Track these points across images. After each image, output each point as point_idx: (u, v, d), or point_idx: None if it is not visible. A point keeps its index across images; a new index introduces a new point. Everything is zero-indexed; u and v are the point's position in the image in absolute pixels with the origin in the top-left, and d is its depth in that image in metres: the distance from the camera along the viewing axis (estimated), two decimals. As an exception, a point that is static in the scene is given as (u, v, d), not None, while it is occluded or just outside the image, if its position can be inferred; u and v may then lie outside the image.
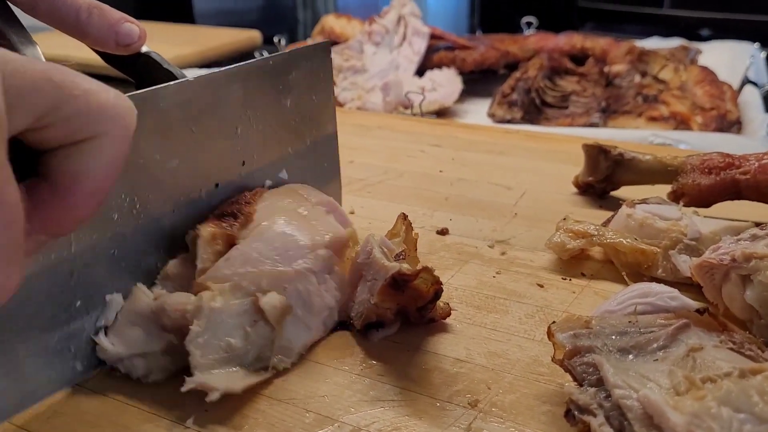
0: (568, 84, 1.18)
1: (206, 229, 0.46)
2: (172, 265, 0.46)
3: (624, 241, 0.54)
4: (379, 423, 0.39)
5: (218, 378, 0.40)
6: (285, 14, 2.50)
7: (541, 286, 0.53)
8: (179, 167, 0.46)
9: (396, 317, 0.47)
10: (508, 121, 1.06)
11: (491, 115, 1.09)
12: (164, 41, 1.47)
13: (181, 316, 0.41)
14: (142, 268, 0.45)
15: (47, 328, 0.41)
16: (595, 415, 0.35)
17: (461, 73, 1.18)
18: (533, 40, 1.31)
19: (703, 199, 0.61)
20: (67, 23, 0.46)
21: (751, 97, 1.07)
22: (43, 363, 0.41)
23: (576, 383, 0.38)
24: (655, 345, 0.39)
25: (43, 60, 0.48)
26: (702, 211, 0.60)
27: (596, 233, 0.56)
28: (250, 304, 0.42)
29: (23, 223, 0.25)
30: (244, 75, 0.49)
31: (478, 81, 1.23)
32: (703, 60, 1.25)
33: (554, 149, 0.84)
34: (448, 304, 0.49)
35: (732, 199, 0.60)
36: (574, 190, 0.71)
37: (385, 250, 0.47)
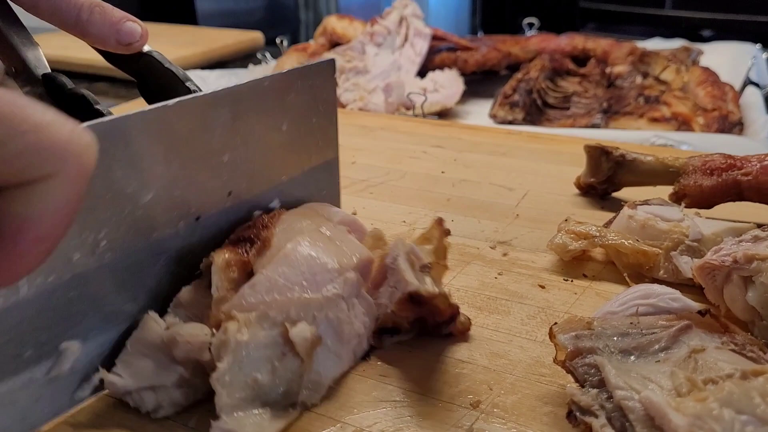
0: (569, 85, 1.18)
1: (221, 256, 0.42)
2: (186, 292, 0.43)
3: (626, 243, 0.54)
4: (381, 424, 0.39)
5: (245, 423, 0.37)
6: (287, 15, 2.50)
7: (543, 288, 0.54)
8: (154, 200, 0.41)
9: (412, 326, 0.46)
10: (510, 122, 1.06)
11: (493, 116, 1.09)
12: (167, 42, 1.47)
13: (194, 349, 0.39)
14: (105, 312, 0.41)
15: None
16: (596, 417, 0.35)
17: (463, 74, 1.17)
18: (535, 41, 1.31)
19: (704, 200, 0.61)
20: (69, 22, 0.46)
21: (752, 98, 1.07)
22: None
23: (578, 384, 0.38)
24: (656, 346, 0.39)
25: (45, 62, 0.48)
26: (704, 212, 0.60)
27: (598, 234, 0.56)
28: (278, 335, 0.39)
29: None
30: (234, 98, 0.44)
31: (480, 82, 1.22)
32: (705, 61, 1.25)
33: (556, 150, 0.84)
34: (469, 319, 0.47)
35: (734, 201, 0.60)
36: (576, 191, 0.71)
37: (413, 257, 0.45)
